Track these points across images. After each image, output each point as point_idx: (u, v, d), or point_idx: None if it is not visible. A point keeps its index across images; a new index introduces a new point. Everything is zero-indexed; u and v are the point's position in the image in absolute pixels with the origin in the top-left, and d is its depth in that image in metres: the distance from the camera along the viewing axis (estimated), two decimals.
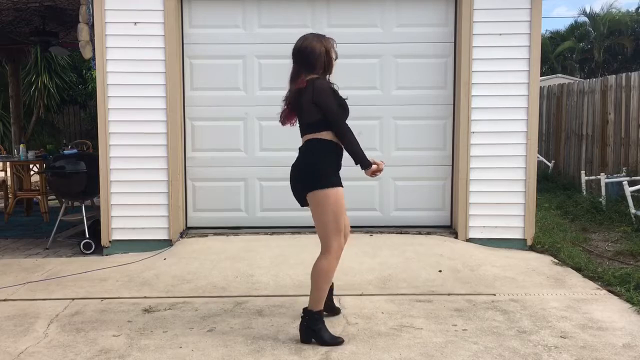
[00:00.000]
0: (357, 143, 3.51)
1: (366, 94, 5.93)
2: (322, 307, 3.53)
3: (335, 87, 3.59)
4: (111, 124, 5.67)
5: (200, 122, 5.96)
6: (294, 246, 5.42)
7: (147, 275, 4.93)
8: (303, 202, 3.58)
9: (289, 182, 3.66)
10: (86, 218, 6.04)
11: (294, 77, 3.54)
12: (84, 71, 15.48)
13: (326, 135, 3.50)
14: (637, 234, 6.30)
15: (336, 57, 3.61)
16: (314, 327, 3.50)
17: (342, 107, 3.54)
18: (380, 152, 6.01)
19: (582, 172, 8.65)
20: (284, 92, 3.76)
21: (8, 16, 7.49)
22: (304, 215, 6.21)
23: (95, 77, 5.73)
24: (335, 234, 3.48)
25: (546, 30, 31.95)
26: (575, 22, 30.42)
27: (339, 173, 3.57)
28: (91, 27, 5.66)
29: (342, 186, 3.54)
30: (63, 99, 15.65)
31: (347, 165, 5.93)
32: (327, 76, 3.59)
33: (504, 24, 5.63)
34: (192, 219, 6.05)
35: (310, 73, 3.50)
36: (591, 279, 4.83)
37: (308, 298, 4.21)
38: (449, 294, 4.46)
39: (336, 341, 3.50)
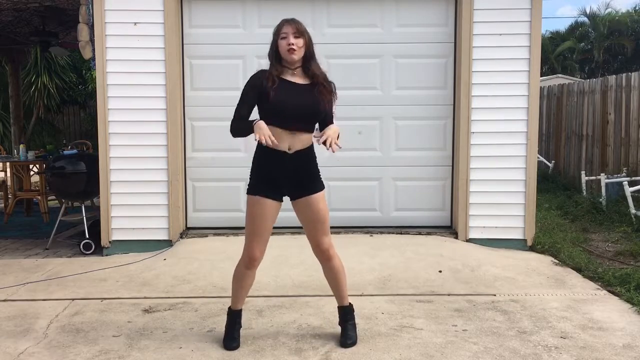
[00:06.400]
0: (235, 128, 3.31)
1: (366, 94, 5.93)
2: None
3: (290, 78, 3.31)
4: (111, 124, 5.66)
5: (200, 122, 5.96)
6: (294, 246, 5.41)
7: (147, 276, 4.93)
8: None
9: None
10: (86, 218, 6.03)
11: None
12: (84, 71, 15.48)
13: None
14: (637, 234, 6.29)
15: (278, 38, 3.27)
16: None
17: (247, 104, 3.32)
18: (380, 152, 6.01)
19: (582, 172, 8.65)
20: None
21: (8, 16, 7.49)
22: None
23: (95, 77, 5.73)
24: (247, 239, 3.44)
25: (546, 31, 32.01)
26: (576, 22, 30.48)
27: (266, 179, 3.34)
28: (91, 27, 5.66)
29: (265, 195, 3.33)
30: (63, 99, 15.66)
31: (347, 166, 5.99)
32: (292, 67, 3.31)
33: (504, 24, 5.62)
34: (192, 219, 6.05)
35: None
36: (591, 279, 4.83)
37: (307, 299, 4.23)
38: (449, 294, 4.46)
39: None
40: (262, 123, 3.18)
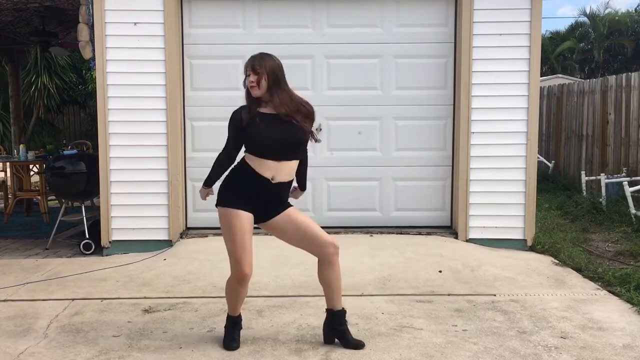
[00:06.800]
0: (212, 170, 3.52)
1: (366, 94, 5.93)
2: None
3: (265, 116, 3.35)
4: (111, 124, 5.66)
5: (200, 122, 5.95)
6: (294, 247, 5.40)
7: (147, 276, 4.93)
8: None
9: None
10: (86, 218, 6.03)
11: None
12: (84, 71, 15.49)
13: (248, 157, 3.42)
14: (637, 234, 6.29)
15: (245, 75, 3.41)
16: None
17: (233, 139, 3.43)
18: (380, 152, 6.01)
19: (583, 172, 8.64)
20: None
21: (8, 16, 7.49)
22: None
23: (95, 77, 5.73)
24: (232, 256, 3.38)
25: (546, 31, 32.01)
26: (576, 22, 30.49)
27: (247, 195, 3.36)
28: (91, 27, 5.66)
29: (245, 209, 3.34)
30: (63, 99, 15.66)
31: (347, 166, 5.99)
32: (258, 103, 3.38)
33: (504, 24, 5.62)
34: (192, 219, 6.05)
35: None
36: (591, 279, 4.83)
37: (307, 299, 4.22)
38: (449, 294, 4.46)
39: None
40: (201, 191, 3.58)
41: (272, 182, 3.36)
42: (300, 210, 4.01)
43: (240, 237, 3.33)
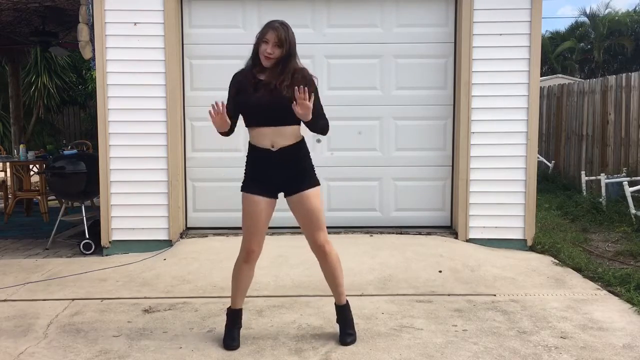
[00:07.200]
0: None
1: (366, 94, 5.93)
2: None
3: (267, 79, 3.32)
4: (111, 124, 5.66)
5: (200, 122, 5.95)
6: (294, 246, 5.41)
7: (147, 276, 4.93)
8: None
9: None
10: (86, 218, 6.03)
11: None
12: (84, 71, 15.49)
13: (249, 134, 3.48)
14: (637, 234, 6.30)
15: (261, 40, 3.29)
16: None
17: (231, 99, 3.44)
18: (380, 152, 6.01)
19: (583, 172, 8.65)
20: None
21: (8, 16, 7.50)
22: None
23: (95, 77, 5.73)
24: (243, 235, 3.51)
25: (546, 31, 32.03)
26: (576, 22, 30.50)
27: (257, 177, 3.47)
28: (91, 27, 5.66)
29: (256, 193, 3.44)
30: (63, 100, 15.66)
31: (347, 166, 5.99)
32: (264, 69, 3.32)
33: (504, 24, 5.62)
34: (192, 220, 6.05)
35: None
36: (591, 279, 4.83)
37: (308, 299, 4.22)
38: (449, 295, 4.46)
39: None
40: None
41: (273, 150, 3.37)
42: None
43: (251, 221, 3.46)
